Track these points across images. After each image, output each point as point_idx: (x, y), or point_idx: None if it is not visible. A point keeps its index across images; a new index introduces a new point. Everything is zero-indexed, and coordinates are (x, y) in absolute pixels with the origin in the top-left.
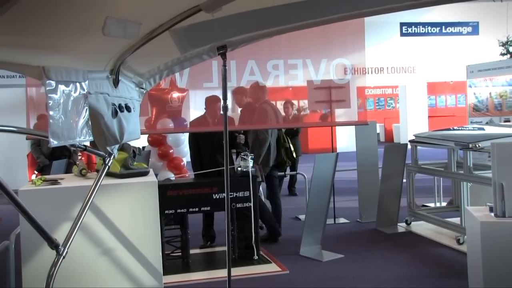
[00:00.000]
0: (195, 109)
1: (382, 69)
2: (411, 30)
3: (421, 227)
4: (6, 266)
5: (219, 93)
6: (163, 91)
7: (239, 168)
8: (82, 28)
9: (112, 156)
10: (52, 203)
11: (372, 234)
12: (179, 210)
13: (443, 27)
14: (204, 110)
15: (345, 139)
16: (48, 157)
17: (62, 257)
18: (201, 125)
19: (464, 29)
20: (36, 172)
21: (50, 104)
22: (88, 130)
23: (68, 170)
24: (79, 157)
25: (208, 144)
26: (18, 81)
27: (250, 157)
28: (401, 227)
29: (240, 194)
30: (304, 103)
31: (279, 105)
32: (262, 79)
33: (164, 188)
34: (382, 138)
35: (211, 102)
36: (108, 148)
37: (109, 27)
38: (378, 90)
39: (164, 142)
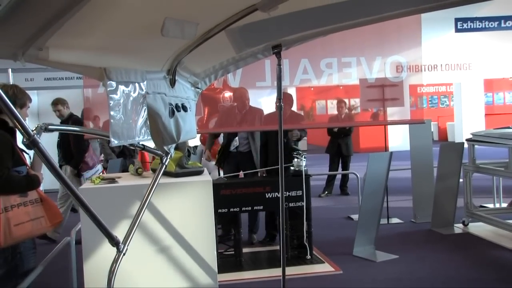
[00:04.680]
0: None
1: (435, 66)
2: (467, 25)
3: (479, 229)
4: (68, 260)
5: (270, 92)
6: (215, 91)
7: (291, 167)
8: (142, 30)
9: (169, 155)
10: (110, 201)
11: (427, 235)
12: (232, 209)
13: (502, 21)
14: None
15: (398, 138)
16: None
17: (122, 254)
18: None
19: None
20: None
21: (111, 104)
22: (147, 129)
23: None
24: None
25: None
26: (75, 83)
27: (303, 155)
28: (458, 228)
29: (293, 193)
30: (355, 101)
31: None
32: (315, 78)
33: (217, 187)
34: (435, 137)
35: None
36: (165, 147)
37: (167, 28)
38: (431, 88)
39: (216, 141)
